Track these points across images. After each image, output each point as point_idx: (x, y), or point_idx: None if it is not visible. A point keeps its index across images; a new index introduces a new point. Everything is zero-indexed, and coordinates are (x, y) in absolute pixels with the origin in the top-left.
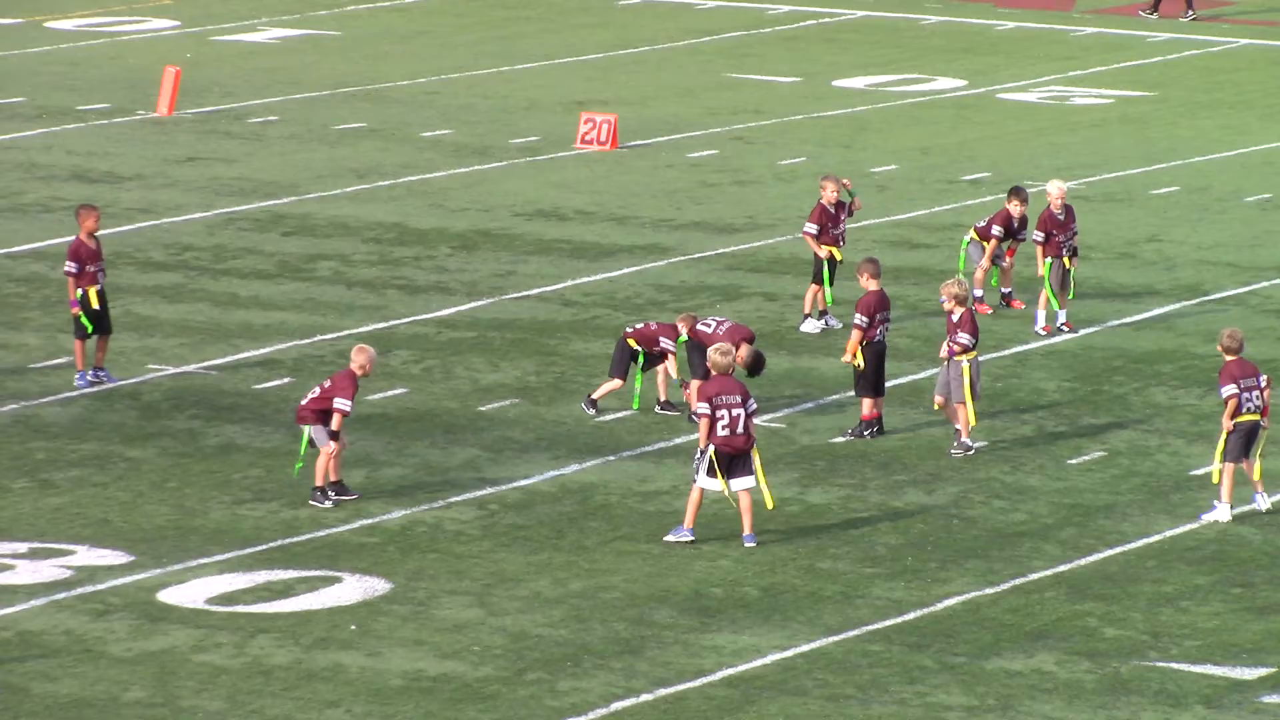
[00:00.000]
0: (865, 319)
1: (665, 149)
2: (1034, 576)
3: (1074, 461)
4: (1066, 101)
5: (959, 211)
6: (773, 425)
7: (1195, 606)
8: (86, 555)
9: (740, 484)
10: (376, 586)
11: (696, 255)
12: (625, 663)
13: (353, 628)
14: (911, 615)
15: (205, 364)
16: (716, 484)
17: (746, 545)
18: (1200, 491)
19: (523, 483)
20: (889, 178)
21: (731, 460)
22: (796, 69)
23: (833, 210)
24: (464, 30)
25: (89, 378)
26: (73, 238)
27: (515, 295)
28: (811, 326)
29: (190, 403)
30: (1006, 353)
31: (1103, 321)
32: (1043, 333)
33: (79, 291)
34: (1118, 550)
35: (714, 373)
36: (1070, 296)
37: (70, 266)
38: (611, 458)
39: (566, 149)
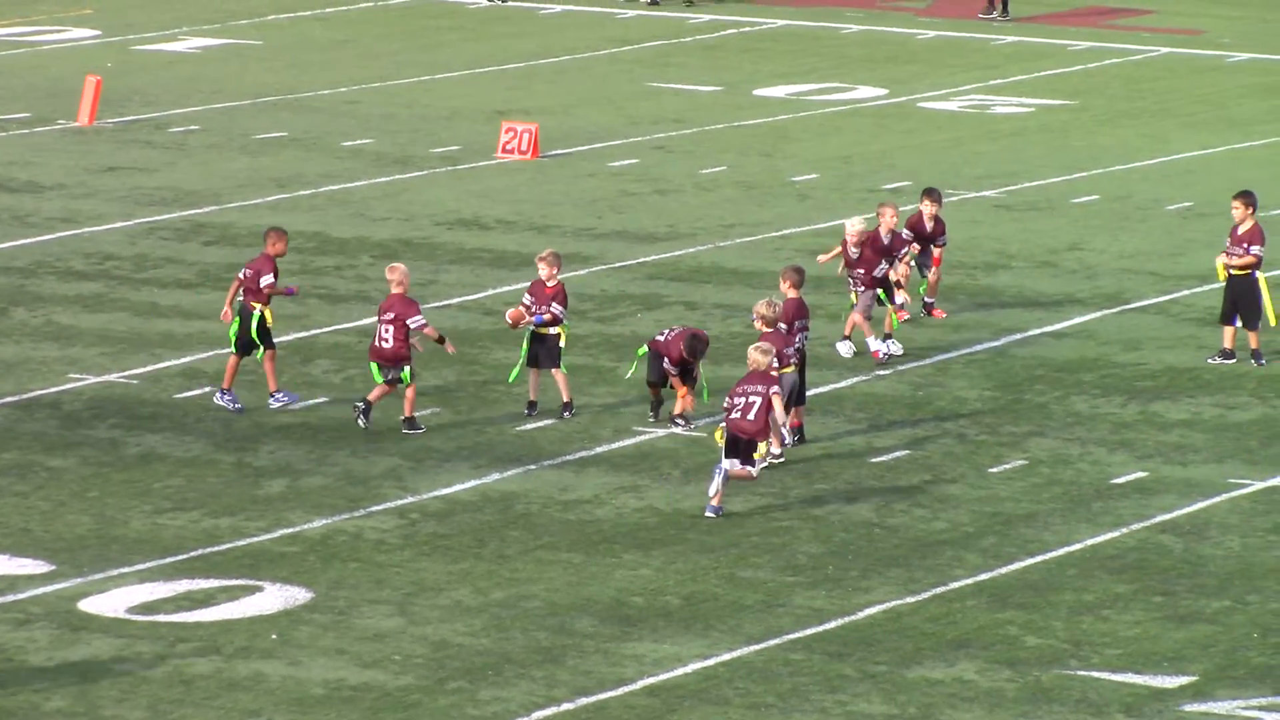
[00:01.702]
0: (784, 326)
1: (586, 158)
2: (955, 585)
3: (995, 470)
4: (987, 110)
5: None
6: (694, 434)
7: (1116, 615)
8: (7, 564)
9: (733, 466)
10: (297, 595)
11: (617, 264)
12: (546, 671)
13: (274, 637)
14: (833, 624)
15: (126, 373)
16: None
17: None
18: (1122, 500)
19: (444, 492)
20: (810, 186)
21: (738, 444)
22: (717, 78)
23: (887, 240)
24: (385, 40)
25: (276, 400)
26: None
27: (437, 304)
28: (846, 349)
29: (111, 412)
30: (927, 362)
31: (1024, 330)
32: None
33: (256, 310)
34: (1039, 559)
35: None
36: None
37: (267, 279)
38: (533, 467)
39: (487, 158)
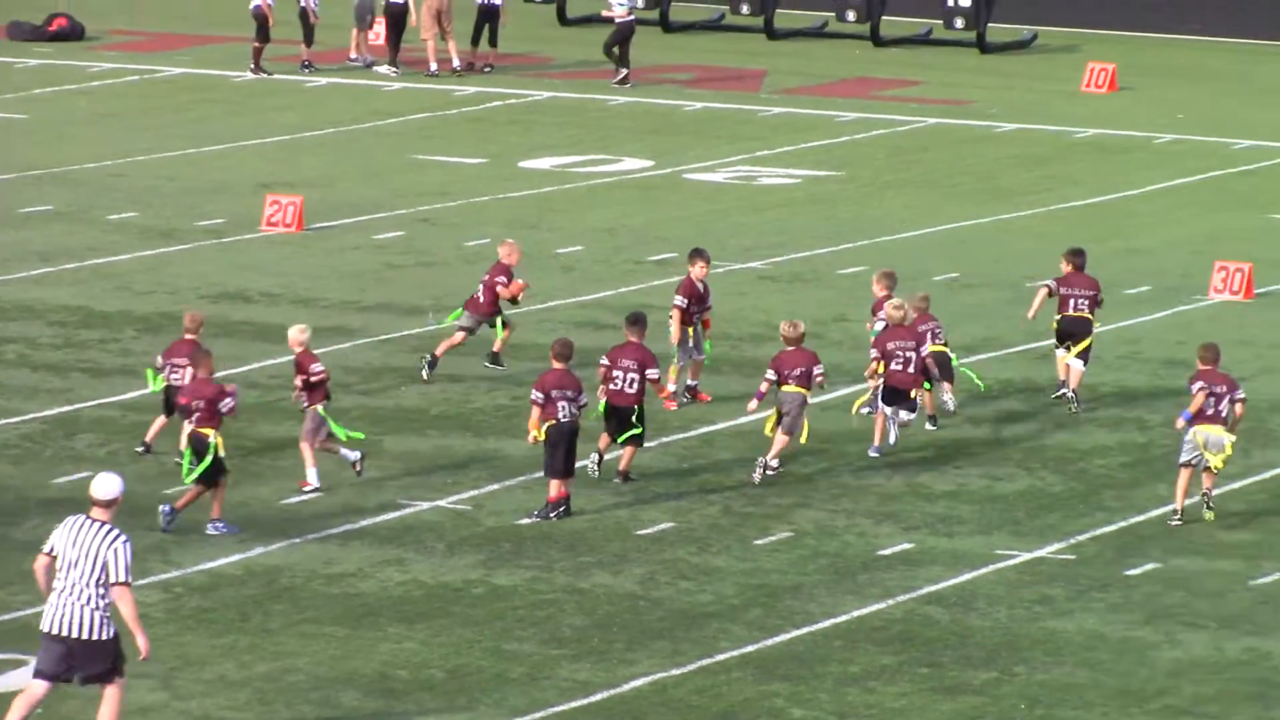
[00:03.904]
0: (541, 395)
1: (351, 231)
2: (721, 657)
3: (761, 542)
4: (754, 181)
5: (646, 292)
6: (458, 507)
7: (882, 686)
8: None
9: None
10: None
11: (382, 337)
12: None
13: (39, 711)
14: (598, 696)
15: None
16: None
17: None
18: (888, 571)
19: (208, 565)
20: (575, 258)
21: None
22: (482, 150)
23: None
24: (151, 113)
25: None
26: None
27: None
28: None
29: None
30: (693, 433)
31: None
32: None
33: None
34: (805, 630)
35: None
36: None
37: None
38: (297, 540)
39: (252, 231)
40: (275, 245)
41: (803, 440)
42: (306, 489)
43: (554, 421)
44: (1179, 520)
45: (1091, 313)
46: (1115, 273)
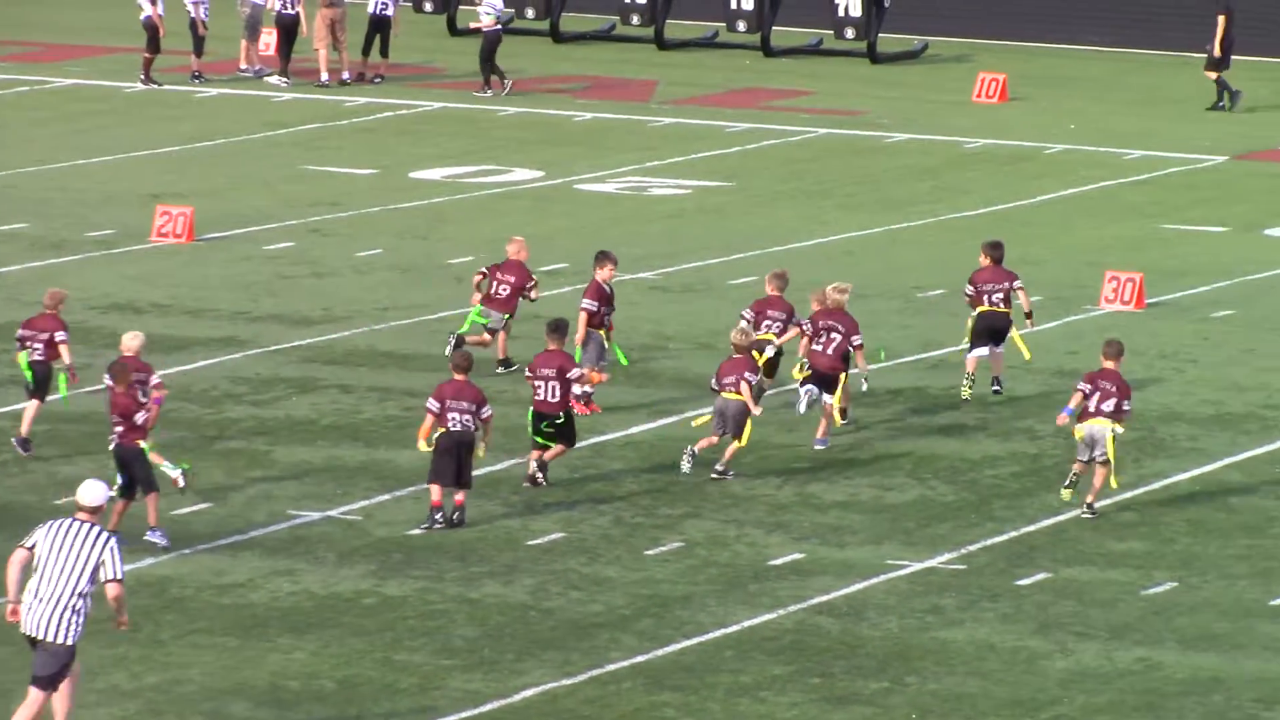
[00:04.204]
0: (437, 404)
1: (242, 241)
2: (611, 667)
3: (652, 552)
4: (644, 192)
5: (537, 302)
6: (348, 517)
7: (774, 697)
8: None
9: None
10: None
11: (273, 347)
12: None
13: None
14: (489, 706)
15: None
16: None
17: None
18: (779, 581)
19: None
20: (467, 269)
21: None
22: (373, 161)
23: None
24: (40, 124)
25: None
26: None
27: (90, 389)
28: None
29: None
30: (584, 444)
31: (680, 413)
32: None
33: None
34: (695, 641)
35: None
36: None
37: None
38: (187, 551)
39: (142, 242)
40: (166, 256)
41: (742, 444)
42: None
43: (444, 430)
44: (1089, 513)
45: (1007, 305)
46: None
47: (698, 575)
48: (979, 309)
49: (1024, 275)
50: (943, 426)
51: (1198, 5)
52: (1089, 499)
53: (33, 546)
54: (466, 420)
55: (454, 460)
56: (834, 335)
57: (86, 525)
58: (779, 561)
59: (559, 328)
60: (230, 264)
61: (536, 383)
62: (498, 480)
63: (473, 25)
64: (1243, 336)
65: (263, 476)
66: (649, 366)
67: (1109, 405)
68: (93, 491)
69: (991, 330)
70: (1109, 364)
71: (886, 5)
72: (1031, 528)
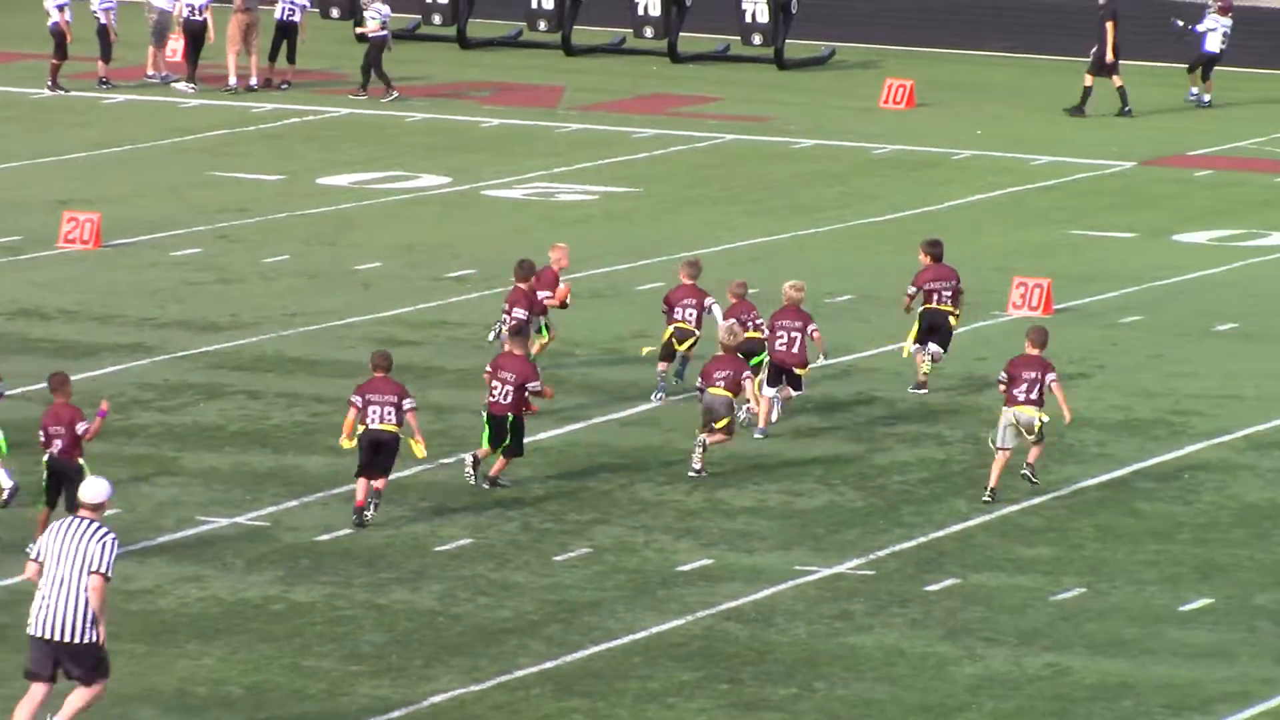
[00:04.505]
0: (360, 399)
1: (149, 247)
2: (520, 673)
3: (560, 558)
4: (552, 198)
5: (443, 309)
6: (256, 523)
7: (682, 703)
8: None
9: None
10: None
11: (180, 354)
12: None
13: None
14: (397, 713)
15: None
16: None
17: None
18: (687, 587)
19: (7, 583)
20: (373, 275)
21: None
22: (281, 167)
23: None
24: None
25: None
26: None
27: None
28: None
29: None
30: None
31: (588, 418)
32: None
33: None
34: (604, 647)
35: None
36: None
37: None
38: None
39: (49, 248)
40: (73, 262)
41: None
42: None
43: (364, 426)
44: (988, 498)
45: (954, 304)
46: None
47: (606, 581)
48: (925, 306)
49: None
50: (851, 432)
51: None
52: (1029, 462)
53: (38, 556)
54: (388, 413)
55: (377, 454)
56: (794, 333)
57: (87, 522)
58: (687, 567)
59: (520, 331)
60: (137, 270)
61: (494, 382)
62: (405, 486)
63: (359, 31)
64: (1151, 342)
65: (170, 482)
66: (557, 373)
67: (1035, 393)
68: (95, 489)
69: (934, 327)
70: (1033, 351)
71: (794, 12)
72: (940, 533)
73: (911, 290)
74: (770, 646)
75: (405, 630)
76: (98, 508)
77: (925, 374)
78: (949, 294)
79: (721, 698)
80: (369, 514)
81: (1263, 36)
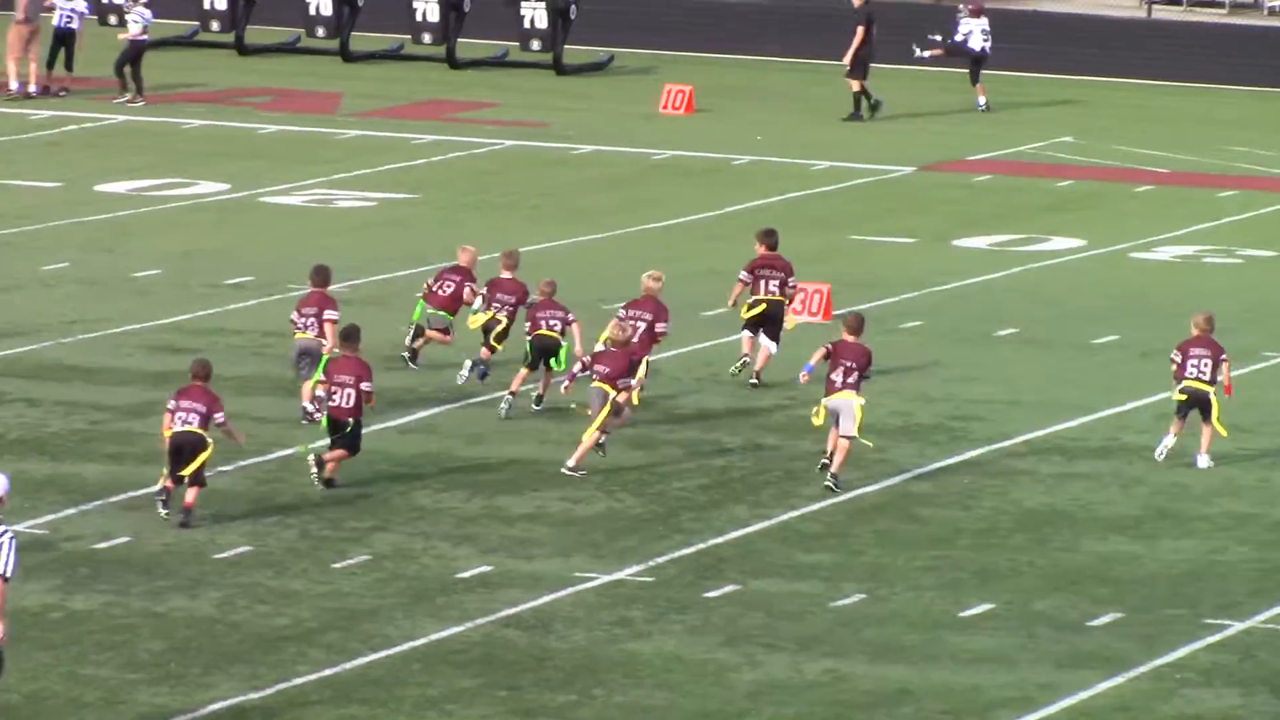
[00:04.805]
0: (172, 403)
1: None
2: (299, 681)
3: (339, 565)
4: (330, 204)
5: (221, 315)
6: (34, 531)
7: (461, 710)
8: None
9: None
10: None
11: None
12: None
13: None
14: None
15: None
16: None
17: None
18: (467, 594)
19: None
20: (152, 282)
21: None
22: (59, 174)
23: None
24: None
25: None
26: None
27: None
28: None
29: None
30: (271, 456)
31: (365, 426)
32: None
33: None
34: (383, 654)
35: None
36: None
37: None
38: None
39: None
40: None
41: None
42: None
43: (170, 430)
44: (826, 461)
45: (782, 293)
46: (696, 294)
47: (385, 588)
48: (757, 294)
49: (711, 287)
50: (630, 439)
51: (879, 16)
52: (833, 469)
53: None
54: (191, 419)
55: (179, 457)
56: (640, 323)
57: None
58: (467, 574)
59: (352, 335)
60: None
61: (333, 388)
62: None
63: (121, 36)
64: (931, 348)
65: None
66: None
67: (853, 379)
68: None
69: (766, 317)
70: (849, 337)
71: (572, 17)
72: (719, 540)
73: (744, 276)
74: (549, 653)
75: (184, 638)
76: None
77: (747, 354)
78: (777, 283)
79: (501, 704)
80: (166, 506)
81: (1033, 41)
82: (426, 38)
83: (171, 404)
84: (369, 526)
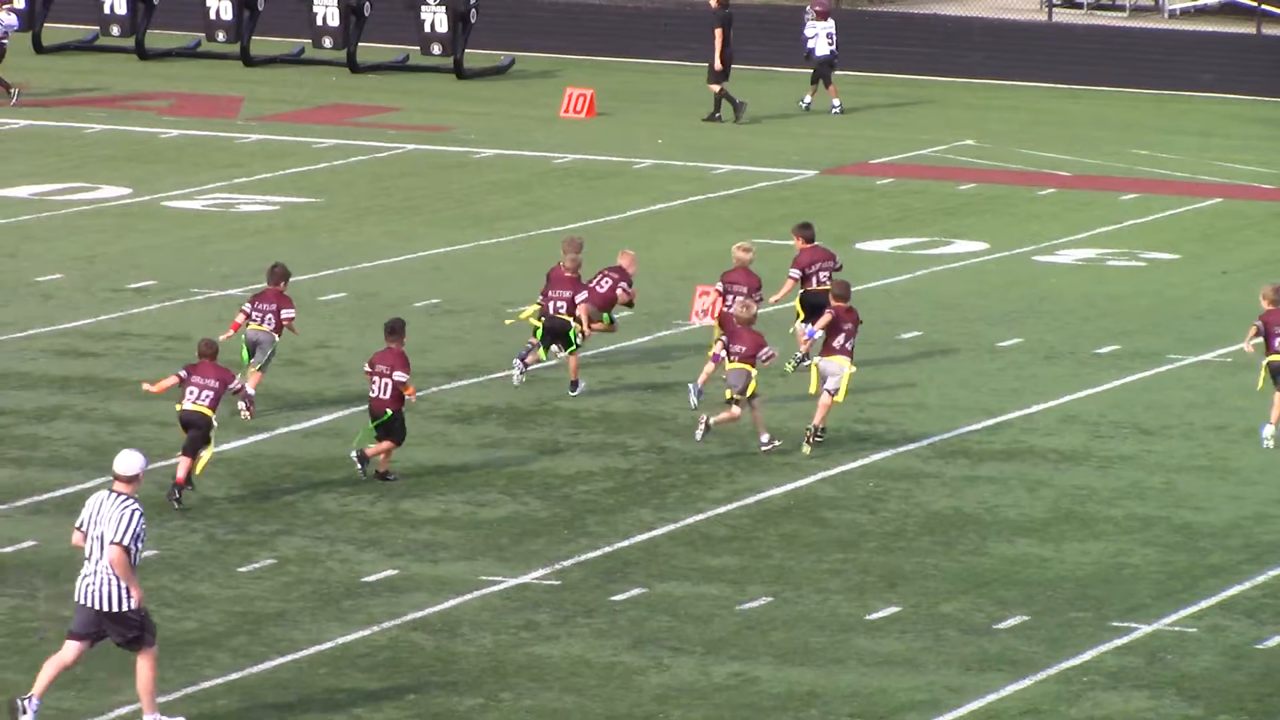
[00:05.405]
0: (185, 373)
1: None
2: (206, 685)
3: (245, 569)
4: (232, 209)
5: (125, 320)
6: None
7: (368, 714)
8: None
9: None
10: None
11: None
12: None
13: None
14: None
15: None
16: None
17: None
18: (373, 598)
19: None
20: (54, 287)
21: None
22: None
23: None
24: None
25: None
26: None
27: None
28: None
29: None
30: (174, 461)
31: (271, 429)
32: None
33: None
34: (289, 658)
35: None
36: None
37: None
38: None
39: None
40: None
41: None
42: None
43: (180, 407)
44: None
45: (818, 283)
46: None
47: (291, 592)
48: (805, 289)
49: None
50: (535, 442)
51: (774, 20)
52: (816, 423)
53: (81, 525)
54: (204, 398)
55: (190, 437)
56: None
57: (118, 495)
58: (373, 578)
59: (396, 328)
60: None
61: (372, 379)
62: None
63: None
64: None
65: None
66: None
67: (850, 344)
68: (127, 461)
69: (817, 309)
70: (841, 303)
71: (473, 21)
72: (625, 543)
73: (794, 274)
74: (456, 657)
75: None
76: (131, 480)
77: (805, 352)
78: (827, 274)
79: (408, 708)
80: (179, 499)
81: (933, 44)
82: (327, 42)
83: (183, 373)
84: (274, 530)
